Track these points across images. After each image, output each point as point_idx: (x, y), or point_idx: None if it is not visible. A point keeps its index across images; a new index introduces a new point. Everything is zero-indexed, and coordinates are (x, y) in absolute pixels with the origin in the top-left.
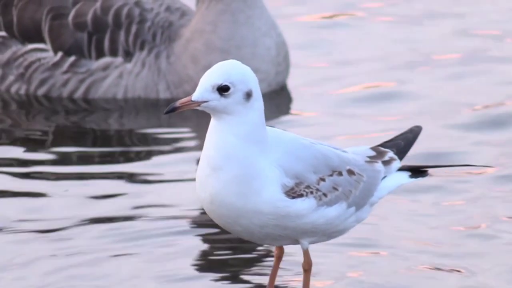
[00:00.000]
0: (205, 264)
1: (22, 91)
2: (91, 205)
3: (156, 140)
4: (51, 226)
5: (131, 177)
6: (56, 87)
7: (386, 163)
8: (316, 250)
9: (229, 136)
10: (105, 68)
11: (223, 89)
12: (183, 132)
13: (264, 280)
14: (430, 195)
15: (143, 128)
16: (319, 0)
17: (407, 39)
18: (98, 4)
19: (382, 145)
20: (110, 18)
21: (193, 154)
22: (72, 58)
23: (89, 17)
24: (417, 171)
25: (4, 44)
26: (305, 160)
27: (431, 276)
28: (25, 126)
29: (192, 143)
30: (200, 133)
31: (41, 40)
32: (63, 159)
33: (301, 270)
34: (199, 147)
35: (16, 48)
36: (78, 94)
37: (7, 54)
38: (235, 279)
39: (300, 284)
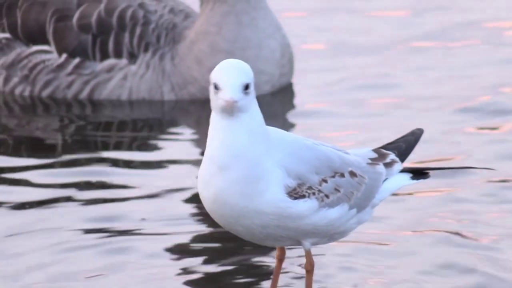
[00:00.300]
0: (206, 266)
1: (26, 93)
2: (95, 206)
3: (161, 142)
4: (58, 232)
5: (135, 179)
6: (60, 89)
7: (388, 165)
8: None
9: (241, 135)
10: (110, 70)
11: (246, 87)
12: (188, 133)
13: (267, 284)
14: None
15: (148, 129)
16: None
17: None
18: (102, 6)
19: (383, 147)
20: (114, 20)
21: (198, 155)
22: (76, 60)
23: (93, 19)
24: (419, 173)
25: (8, 46)
26: (308, 161)
27: None
28: (29, 128)
29: (197, 144)
30: (204, 133)
31: (46, 41)
32: (67, 161)
33: (304, 271)
34: (204, 147)
35: (21, 49)
36: (83, 96)
37: (12, 55)
38: (236, 282)
39: (303, 285)
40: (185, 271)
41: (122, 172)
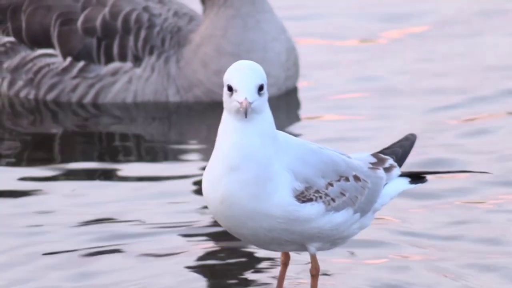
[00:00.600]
0: (210, 271)
1: (31, 96)
2: (99, 208)
3: (166, 145)
4: (61, 229)
5: (141, 181)
6: (65, 92)
7: (387, 170)
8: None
9: (253, 137)
10: (114, 73)
11: (260, 88)
12: (193, 136)
13: (271, 287)
14: None
15: (153, 132)
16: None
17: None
18: (106, 10)
19: (381, 152)
20: (119, 23)
21: (203, 157)
22: (81, 63)
23: (98, 22)
24: (416, 177)
25: (13, 50)
26: (314, 164)
27: None
28: (34, 131)
29: (202, 146)
30: (209, 136)
31: (50, 45)
32: (71, 164)
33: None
34: (209, 150)
35: (25, 53)
36: (88, 99)
37: (16, 59)
38: (241, 286)
39: None
40: (188, 272)
41: (126, 173)
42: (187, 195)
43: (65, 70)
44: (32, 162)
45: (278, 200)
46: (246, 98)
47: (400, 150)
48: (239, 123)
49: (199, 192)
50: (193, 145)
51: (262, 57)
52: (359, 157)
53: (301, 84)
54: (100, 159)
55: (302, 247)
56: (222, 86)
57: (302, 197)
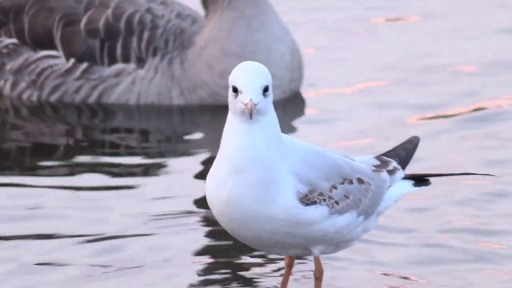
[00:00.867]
0: (214, 273)
1: (34, 98)
2: (102, 209)
3: (169, 146)
4: (64, 229)
5: (144, 182)
6: (68, 94)
7: (391, 172)
8: None
9: (258, 139)
10: (118, 74)
11: (265, 89)
12: (197, 137)
13: None
14: None
15: (156, 133)
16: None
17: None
18: (109, 11)
19: (385, 154)
20: (122, 24)
21: (207, 159)
22: (84, 65)
23: (101, 23)
24: (420, 180)
25: (15, 51)
26: (318, 167)
27: None
28: (37, 133)
29: (206, 148)
30: (214, 137)
31: (53, 47)
32: (74, 166)
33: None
34: (214, 152)
35: (28, 55)
36: (91, 100)
37: (19, 61)
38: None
39: None
40: (190, 274)
41: (129, 175)
42: (191, 196)
43: (68, 71)
44: (34, 165)
45: (282, 203)
46: (251, 99)
47: (403, 153)
48: (244, 125)
49: (203, 193)
50: (197, 147)
51: (267, 58)
52: (363, 159)
53: (305, 88)
54: (103, 160)
55: (305, 251)
56: (227, 88)
57: (306, 200)
